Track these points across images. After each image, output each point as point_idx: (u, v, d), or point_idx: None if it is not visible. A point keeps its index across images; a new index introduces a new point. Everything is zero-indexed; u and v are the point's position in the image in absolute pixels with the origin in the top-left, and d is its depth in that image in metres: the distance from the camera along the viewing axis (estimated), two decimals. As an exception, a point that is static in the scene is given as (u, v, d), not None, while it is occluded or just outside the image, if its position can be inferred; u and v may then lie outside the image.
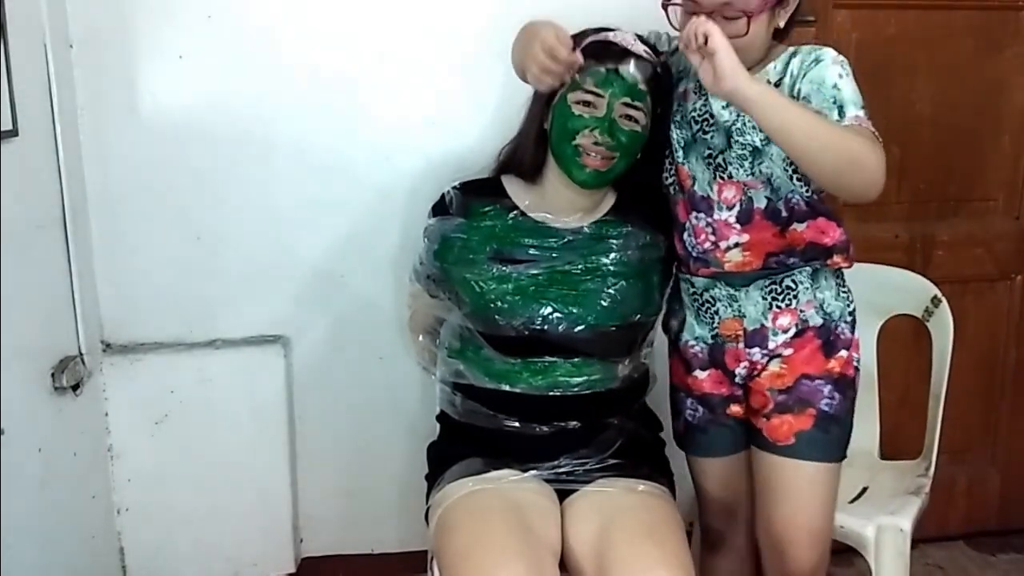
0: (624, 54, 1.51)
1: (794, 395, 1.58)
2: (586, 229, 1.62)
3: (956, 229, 2.30)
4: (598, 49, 1.51)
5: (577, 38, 1.51)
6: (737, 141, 1.51)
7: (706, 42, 1.29)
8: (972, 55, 2.21)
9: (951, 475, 2.34)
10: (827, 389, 1.58)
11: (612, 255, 1.60)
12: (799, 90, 1.44)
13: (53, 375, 1.80)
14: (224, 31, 1.91)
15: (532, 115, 1.62)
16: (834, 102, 1.40)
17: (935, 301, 1.92)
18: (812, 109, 1.39)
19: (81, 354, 1.89)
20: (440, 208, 1.67)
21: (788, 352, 1.58)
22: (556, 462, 1.59)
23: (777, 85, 1.47)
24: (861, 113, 1.40)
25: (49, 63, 1.79)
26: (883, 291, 1.96)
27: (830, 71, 1.43)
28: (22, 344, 1.67)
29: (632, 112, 1.52)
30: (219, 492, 2.07)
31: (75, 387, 1.86)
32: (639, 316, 1.62)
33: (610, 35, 1.53)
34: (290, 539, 2.13)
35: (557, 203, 1.62)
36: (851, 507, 1.84)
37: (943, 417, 1.88)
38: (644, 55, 1.53)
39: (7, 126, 1.63)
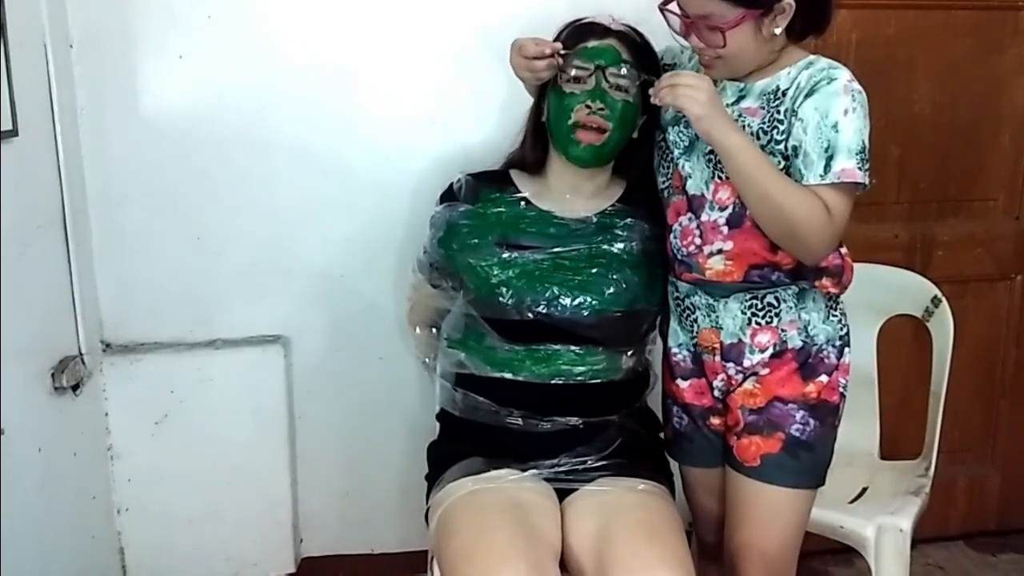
0: (607, 31, 1.58)
1: (764, 416, 1.54)
2: (593, 219, 1.64)
3: (956, 229, 2.30)
4: (581, 31, 1.59)
5: (560, 32, 1.61)
6: None
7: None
8: (972, 55, 2.21)
9: (951, 475, 2.34)
10: (800, 414, 1.53)
11: (618, 245, 1.62)
12: (801, 110, 1.41)
13: (53, 375, 1.80)
14: (224, 31, 1.91)
15: (531, 112, 1.68)
16: (826, 149, 1.39)
17: (935, 301, 1.92)
18: (780, 174, 1.40)
19: (81, 354, 1.90)
20: (448, 196, 1.70)
21: (764, 372, 1.54)
22: (556, 460, 1.59)
23: (784, 93, 1.45)
24: (850, 164, 1.38)
25: (49, 63, 1.79)
26: (883, 291, 1.96)
27: (838, 102, 1.39)
28: (22, 344, 1.68)
29: (620, 82, 1.56)
30: (219, 492, 2.07)
31: (75, 387, 1.86)
32: (643, 304, 1.63)
33: (590, 18, 1.61)
34: (290, 539, 2.13)
35: (561, 189, 1.65)
36: (851, 507, 1.85)
37: (943, 417, 1.88)
38: (626, 31, 1.59)
39: (7, 126, 1.63)
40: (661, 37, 1.59)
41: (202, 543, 2.08)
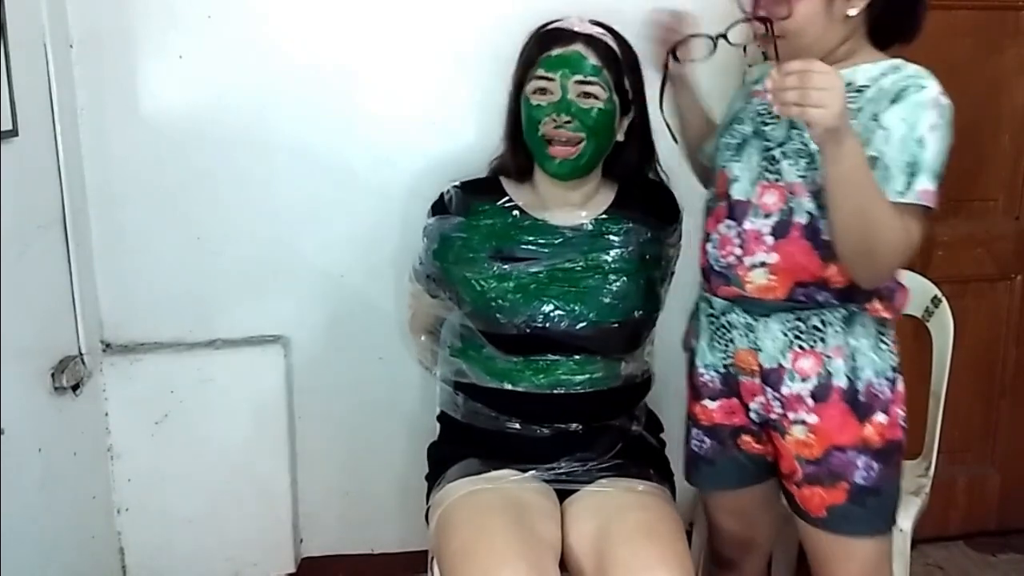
0: (573, 37, 1.53)
1: (824, 467, 1.42)
2: (587, 226, 1.62)
3: (956, 229, 2.30)
4: (547, 38, 1.55)
5: (527, 41, 1.58)
6: (799, 135, 1.38)
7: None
8: (972, 55, 2.21)
9: (951, 475, 2.33)
10: (862, 460, 1.41)
11: (613, 252, 1.60)
12: (885, 117, 1.30)
13: (53, 375, 1.80)
14: (224, 31, 1.91)
15: (507, 120, 1.65)
16: (909, 164, 1.29)
17: (935, 301, 1.92)
18: (878, 193, 1.26)
19: (81, 354, 1.89)
20: (439, 207, 1.67)
21: (813, 420, 1.41)
22: (556, 464, 1.59)
23: (860, 91, 1.34)
24: (931, 187, 1.29)
25: (49, 63, 1.79)
26: (883, 291, 1.95)
27: (926, 114, 1.29)
28: (22, 344, 1.67)
29: (588, 89, 1.52)
30: (219, 492, 2.07)
31: (75, 387, 1.86)
32: (640, 312, 1.61)
33: (558, 23, 1.56)
34: (290, 539, 2.13)
35: (549, 199, 1.63)
36: (851, 507, 1.84)
37: (943, 417, 1.88)
38: (594, 34, 1.54)
39: (7, 126, 1.62)
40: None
41: (202, 543, 2.08)
